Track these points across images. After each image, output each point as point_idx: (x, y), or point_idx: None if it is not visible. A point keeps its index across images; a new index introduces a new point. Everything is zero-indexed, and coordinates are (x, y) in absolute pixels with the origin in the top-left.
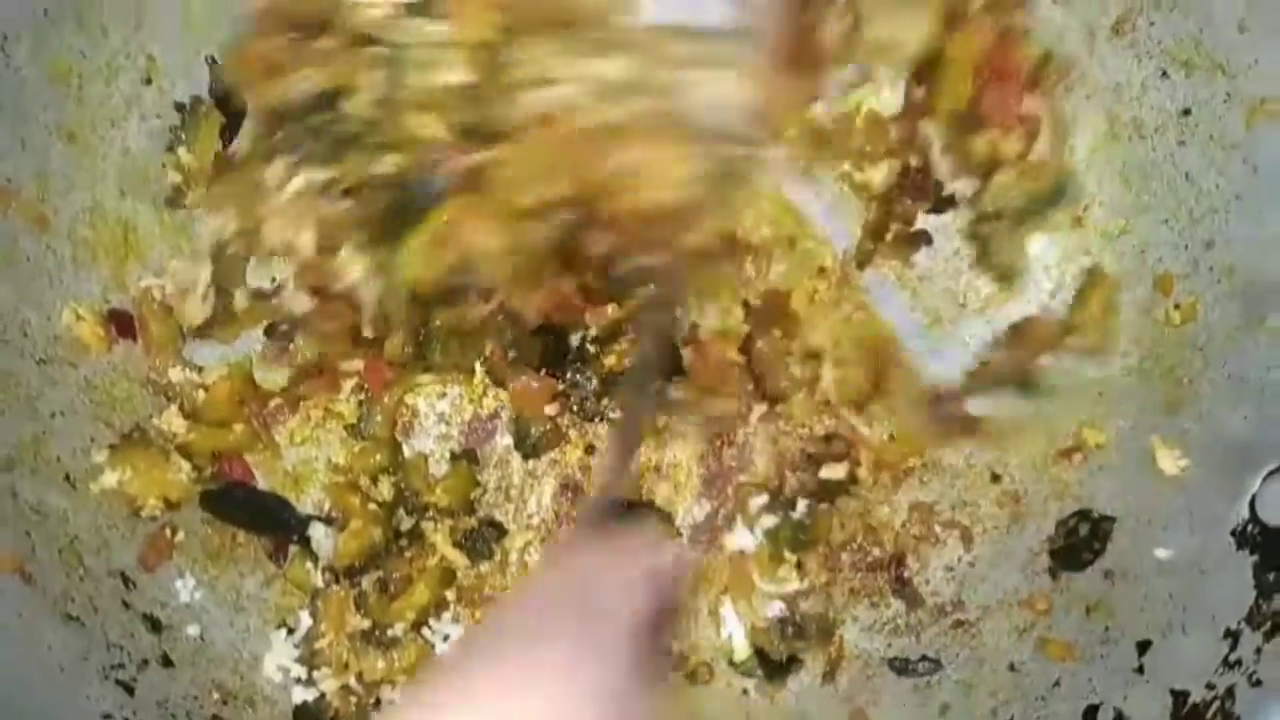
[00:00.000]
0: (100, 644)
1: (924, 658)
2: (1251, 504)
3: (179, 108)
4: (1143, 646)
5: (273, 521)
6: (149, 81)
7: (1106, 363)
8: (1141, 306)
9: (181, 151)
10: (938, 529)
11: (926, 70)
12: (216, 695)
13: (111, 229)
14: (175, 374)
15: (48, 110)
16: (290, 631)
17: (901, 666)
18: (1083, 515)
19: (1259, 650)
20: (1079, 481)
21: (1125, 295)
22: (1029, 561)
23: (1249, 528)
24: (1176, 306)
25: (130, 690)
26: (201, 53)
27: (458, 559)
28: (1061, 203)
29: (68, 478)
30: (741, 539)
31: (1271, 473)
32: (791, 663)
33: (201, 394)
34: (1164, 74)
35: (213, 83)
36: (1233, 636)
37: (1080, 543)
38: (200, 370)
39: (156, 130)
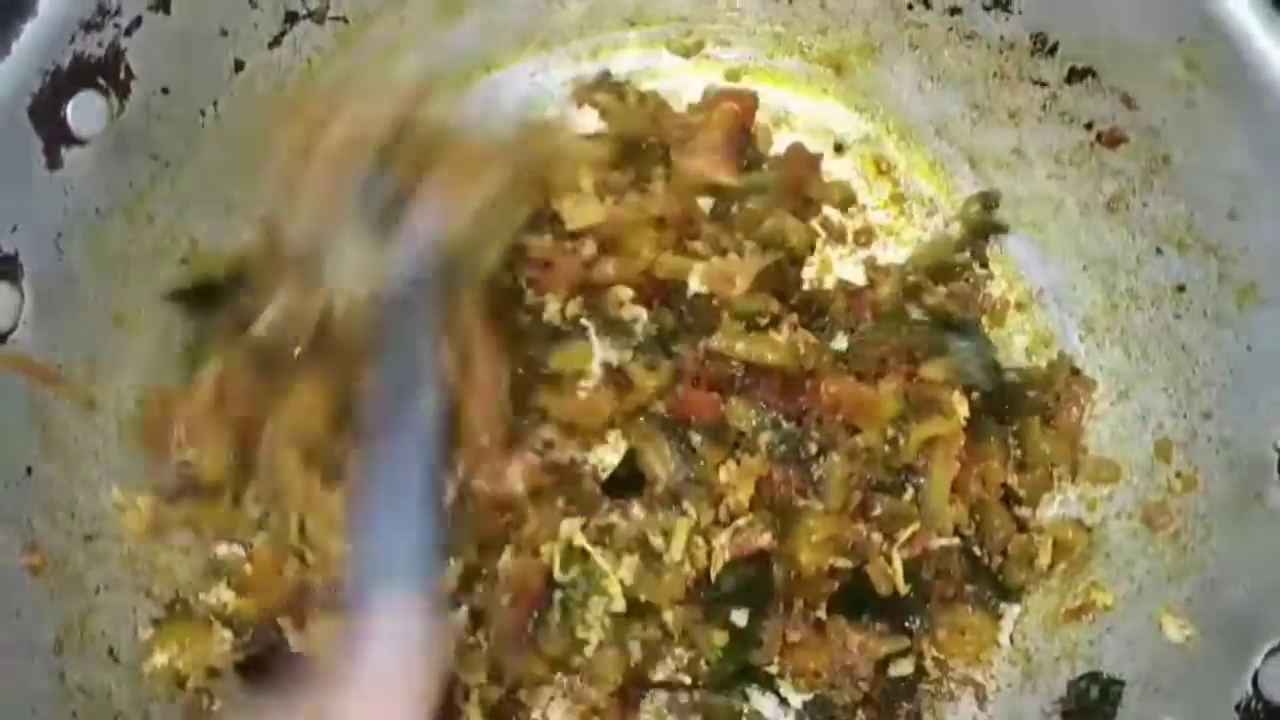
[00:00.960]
0: None
1: None
2: (1255, 680)
3: None
4: None
5: None
6: (185, 263)
7: None
8: (1144, 470)
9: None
10: (952, 685)
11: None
12: None
13: (154, 407)
14: (222, 550)
15: (97, 296)
16: None
17: None
18: (1093, 677)
19: None
20: (1089, 642)
21: (1126, 459)
22: None
23: (1253, 704)
24: (1178, 474)
25: None
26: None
27: None
28: None
29: (111, 652)
30: (768, 707)
31: (1274, 650)
32: None
33: (248, 567)
34: (1158, 251)
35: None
36: None
37: (1091, 704)
38: (250, 545)
39: None
